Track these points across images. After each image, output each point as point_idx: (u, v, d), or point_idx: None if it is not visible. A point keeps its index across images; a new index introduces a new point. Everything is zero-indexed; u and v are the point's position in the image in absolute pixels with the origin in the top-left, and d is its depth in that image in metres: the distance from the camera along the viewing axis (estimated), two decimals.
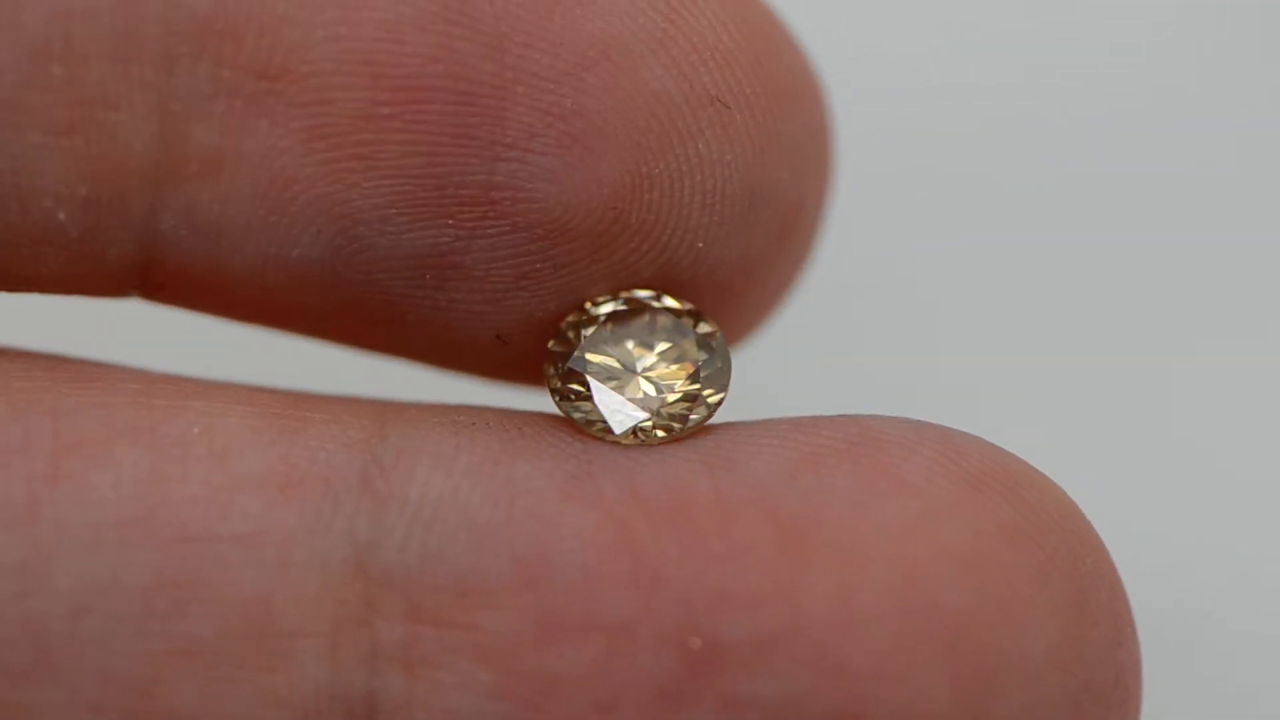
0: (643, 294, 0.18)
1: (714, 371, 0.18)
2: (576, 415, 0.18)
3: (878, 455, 0.17)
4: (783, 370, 0.26)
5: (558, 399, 0.18)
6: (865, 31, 0.29)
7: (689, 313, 0.18)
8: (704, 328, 0.18)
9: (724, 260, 0.18)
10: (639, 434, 0.18)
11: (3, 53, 0.16)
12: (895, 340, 0.28)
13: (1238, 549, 0.26)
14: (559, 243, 0.18)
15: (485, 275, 0.18)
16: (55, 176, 0.17)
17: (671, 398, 0.18)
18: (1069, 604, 0.17)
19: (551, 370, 0.18)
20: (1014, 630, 0.17)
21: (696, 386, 0.18)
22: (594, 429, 0.18)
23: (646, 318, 0.18)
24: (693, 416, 0.18)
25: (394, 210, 0.17)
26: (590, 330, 0.18)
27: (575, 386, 0.18)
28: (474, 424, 0.18)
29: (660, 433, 0.18)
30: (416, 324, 0.18)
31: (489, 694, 0.17)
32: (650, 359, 0.18)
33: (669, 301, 0.18)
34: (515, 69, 0.17)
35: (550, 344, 0.18)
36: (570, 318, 0.18)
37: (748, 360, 0.21)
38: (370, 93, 0.17)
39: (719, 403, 0.18)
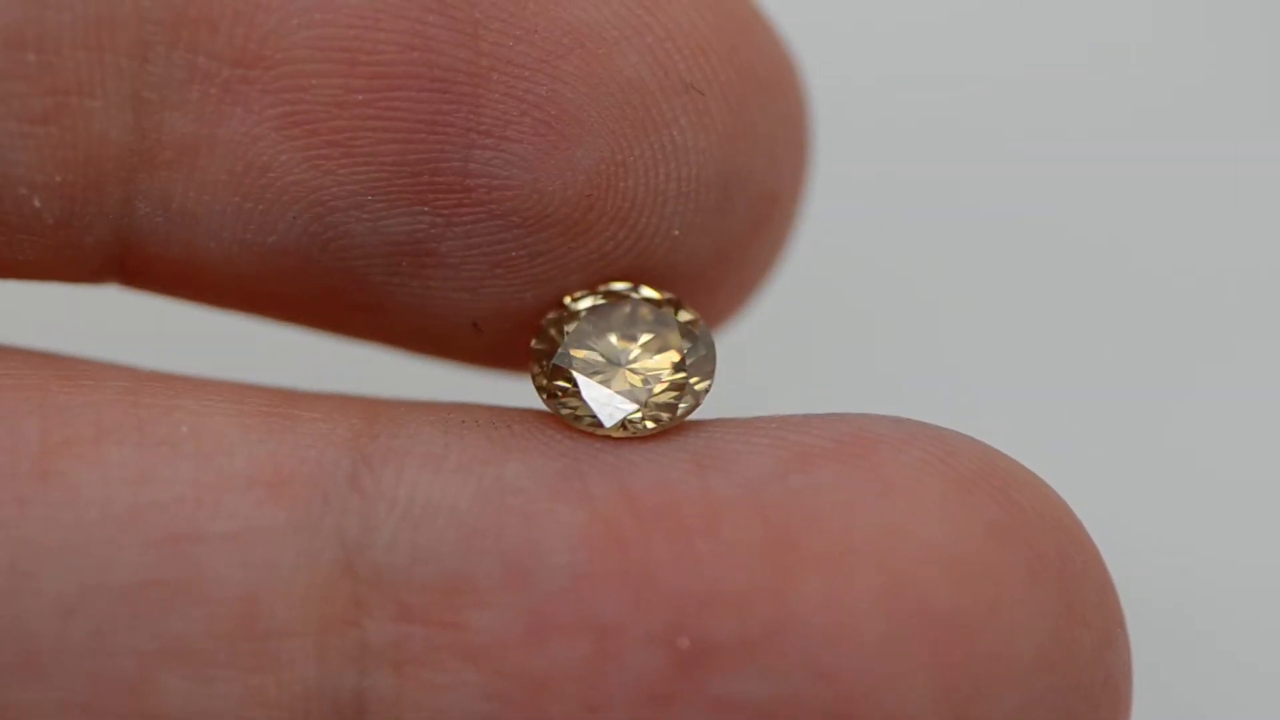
0: (621, 286, 0.18)
1: (699, 359, 0.18)
2: (564, 411, 0.18)
3: (867, 455, 0.17)
4: (772, 362, 0.26)
5: (545, 396, 0.18)
6: (847, 20, 0.29)
7: (669, 302, 0.18)
8: (685, 316, 0.18)
9: (700, 248, 0.18)
10: (628, 426, 0.18)
11: None
12: (885, 331, 0.28)
13: (1229, 549, 0.26)
14: (535, 230, 0.18)
15: (461, 262, 0.18)
16: (30, 164, 0.17)
17: (658, 388, 0.18)
18: (1058, 604, 0.17)
19: (537, 368, 0.18)
20: (1003, 631, 0.17)
21: (683, 375, 0.18)
22: (583, 424, 0.18)
23: (627, 309, 0.18)
24: (681, 405, 0.18)
25: (369, 197, 0.17)
26: (572, 326, 0.18)
27: (561, 383, 0.18)
28: (463, 423, 0.18)
29: (650, 424, 0.18)
30: (393, 311, 0.18)
31: (478, 694, 0.17)
32: (634, 351, 0.18)
33: (648, 292, 0.18)
34: (490, 56, 0.17)
35: (533, 342, 0.18)
36: (551, 314, 0.18)
37: (735, 352, 0.21)
38: (345, 80, 0.17)
39: (706, 390, 0.18)
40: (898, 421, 0.18)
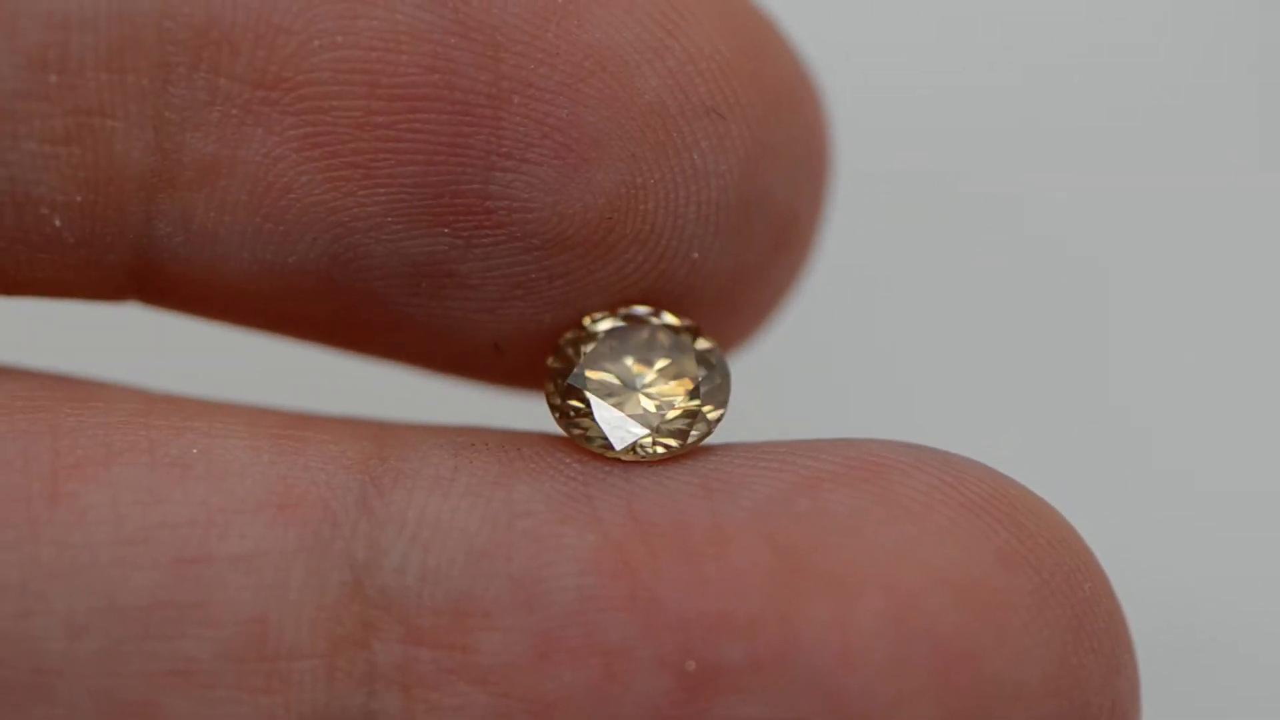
0: (641, 310, 0.18)
1: (713, 388, 0.18)
2: (575, 432, 0.18)
3: (876, 479, 0.17)
4: (780, 386, 0.26)
5: (557, 415, 0.18)
6: (865, 38, 0.29)
7: (688, 329, 0.18)
8: (702, 344, 0.18)
9: (720, 270, 0.18)
10: (638, 450, 0.18)
11: (1, 63, 0.16)
12: (894, 356, 0.28)
13: (1238, 574, 0.26)
14: (555, 252, 0.18)
15: (481, 284, 0.18)
16: (52, 184, 0.17)
17: (671, 414, 0.18)
18: (1066, 630, 0.17)
19: (551, 387, 0.18)
20: (1010, 657, 0.17)
21: (696, 403, 0.18)
22: (594, 445, 0.18)
23: (645, 334, 0.18)
24: (692, 433, 0.18)
25: (390, 218, 0.17)
26: (589, 347, 0.18)
27: (575, 403, 0.18)
28: (472, 445, 0.18)
29: (660, 449, 0.18)
30: (413, 331, 0.18)
31: (486, 716, 0.17)
32: (650, 375, 0.18)
33: (667, 318, 0.18)
34: (511, 79, 0.17)
35: (549, 360, 0.18)
36: (569, 334, 0.18)
37: (746, 375, 0.21)
38: (366, 102, 0.17)
39: (718, 419, 0.18)
40: (906, 446, 0.18)
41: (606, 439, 0.18)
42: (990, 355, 0.28)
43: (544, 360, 0.19)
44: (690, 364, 0.18)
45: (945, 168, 0.29)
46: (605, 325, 0.18)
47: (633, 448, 0.18)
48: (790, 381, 0.25)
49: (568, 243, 0.18)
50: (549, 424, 0.19)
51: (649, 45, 0.17)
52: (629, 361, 0.18)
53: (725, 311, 0.19)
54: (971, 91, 0.30)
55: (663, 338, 0.18)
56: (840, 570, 0.17)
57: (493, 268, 0.18)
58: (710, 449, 0.18)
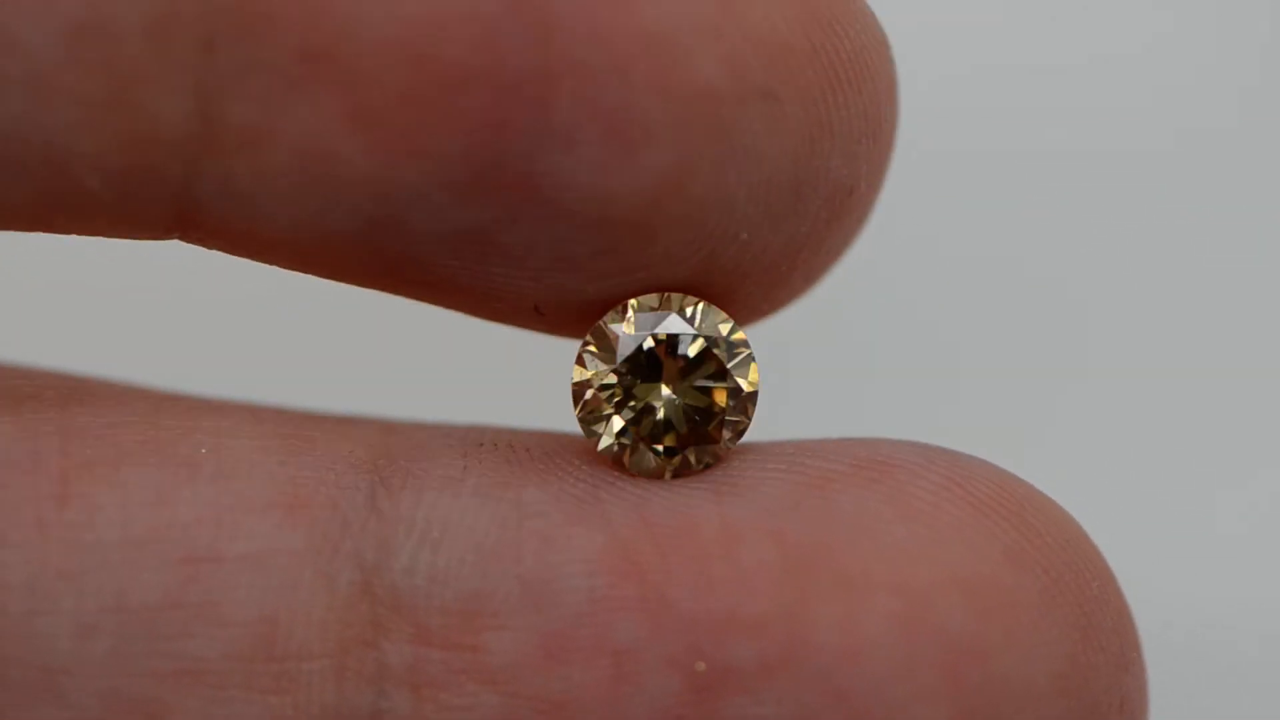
0: (678, 326, 0.18)
1: (735, 412, 0.18)
2: (592, 427, 0.18)
3: (884, 479, 0.17)
4: (788, 386, 0.26)
5: (579, 408, 0.18)
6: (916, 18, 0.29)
7: (730, 342, 0.18)
8: (736, 368, 0.18)
9: (770, 248, 0.18)
10: (647, 469, 0.18)
11: (40, 33, 0.16)
12: (903, 355, 0.28)
13: (1246, 573, 0.26)
14: (600, 231, 0.17)
15: (524, 255, 0.18)
16: (89, 149, 0.17)
17: (689, 454, 0.18)
18: (1074, 629, 0.17)
19: (579, 374, 0.18)
20: (1018, 656, 0.17)
21: (715, 424, 0.18)
22: (606, 452, 0.18)
23: (679, 351, 0.18)
24: (705, 460, 0.18)
25: (433, 191, 0.17)
26: (620, 347, 0.18)
27: (604, 390, 0.18)
28: (481, 445, 0.18)
29: (668, 474, 0.18)
30: (454, 291, 0.18)
31: (495, 715, 0.17)
32: (673, 401, 0.18)
33: (712, 327, 0.18)
34: (561, 60, 0.17)
35: (581, 345, 0.18)
36: (603, 321, 0.18)
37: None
38: (412, 78, 0.17)
39: (732, 447, 0.18)
40: (914, 446, 0.18)
41: (617, 451, 0.18)
42: (999, 354, 0.28)
43: (588, 319, 0.18)
44: (720, 396, 0.18)
45: (957, 164, 0.29)
46: (640, 336, 0.18)
47: (641, 465, 0.18)
48: (798, 381, 0.25)
49: (613, 222, 0.17)
50: (558, 424, 0.19)
51: (704, 27, 0.17)
52: (658, 384, 0.18)
53: (772, 282, 0.18)
54: (977, 86, 0.30)
55: (694, 367, 0.18)
56: (849, 570, 0.17)
57: (536, 241, 0.17)
58: None
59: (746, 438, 0.18)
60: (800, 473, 0.17)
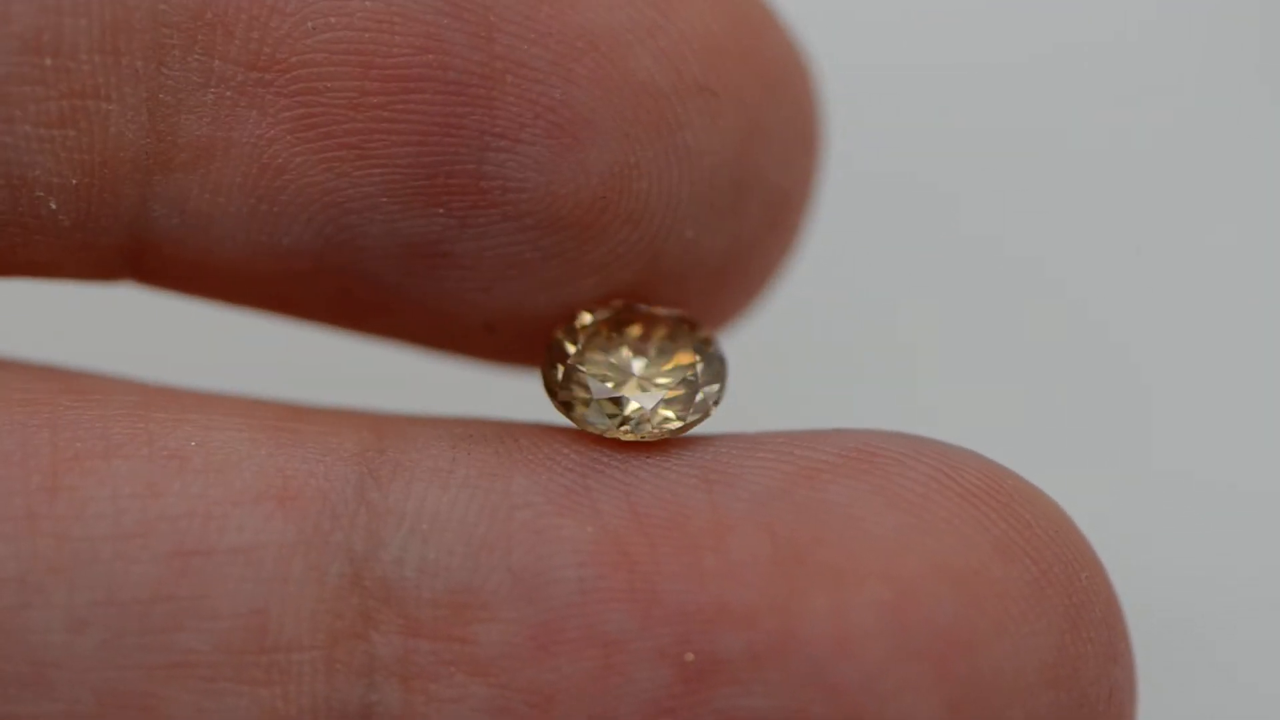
0: (637, 304, 0.18)
1: (710, 373, 0.18)
2: (574, 414, 0.18)
3: (873, 470, 0.17)
4: (778, 377, 0.26)
5: (556, 401, 0.18)
6: (856, 16, 0.29)
7: (683, 319, 0.18)
8: (698, 333, 0.18)
9: (713, 248, 0.18)
10: (638, 430, 0.18)
11: None
12: (892, 345, 0.28)
13: (1234, 563, 0.26)
14: (548, 232, 0.18)
15: (475, 264, 0.18)
16: (47, 167, 0.17)
17: (668, 395, 0.18)
18: (1063, 620, 0.17)
19: (549, 375, 0.18)
20: (1007, 647, 0.17)
21: (693, 388, 0.18)
22: (593, 429, 0.18)
23: (640, 324, 0.18)
24: (690, 417, 0.18)
25: (384, 199, 0.17)
26: (585, 336, 0.18)
27: (575, 388, 0.18)
28: (470, 436, 0.18)
29: (656, 431, 0.18)
30: (407, 311, 0.18)
31: (485, 707, 0.17)
32: (645, 362, 0.18)
33: (663, 310, 0.18)
34: (504, 59, 0.17)
35: (547, 348, 0.18)
36: (565, 326, 0.18)
37: (743, 365, 0.21)
38: (360, 82, 0.17)
39: (716, 402, 0.18)
40: (903, 437, 0.18)
41: (605, 422, 0.18)
42: (987, 343, 0.28)
43: (537, 340, 0.19)
44: (686, 351, 0.18)
45: (942, 151, 0.29)
46: (601, 315, 0.18)
47: (632, 428, 0.18)
48: (787, 371, 0.25)
49: (561, 222, 0.18)
50: (547, 414, 0.19)
51: (642, 25, 0.17)
52: (624, 351, 0.18)
53: (717, 290, 0.19)
54: (965, 76, 0.30)
55: (658, 327, 0.18)
56: (838, 561, 0.17)
57: (487, 247, 0.18)
58: (708, 440, 0.18)
59: (738, 428, 0.18)
60: (790, 463, 0.18)
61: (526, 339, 0.19)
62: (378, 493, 0.17)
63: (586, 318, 0.18)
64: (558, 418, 0.19)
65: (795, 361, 0.26)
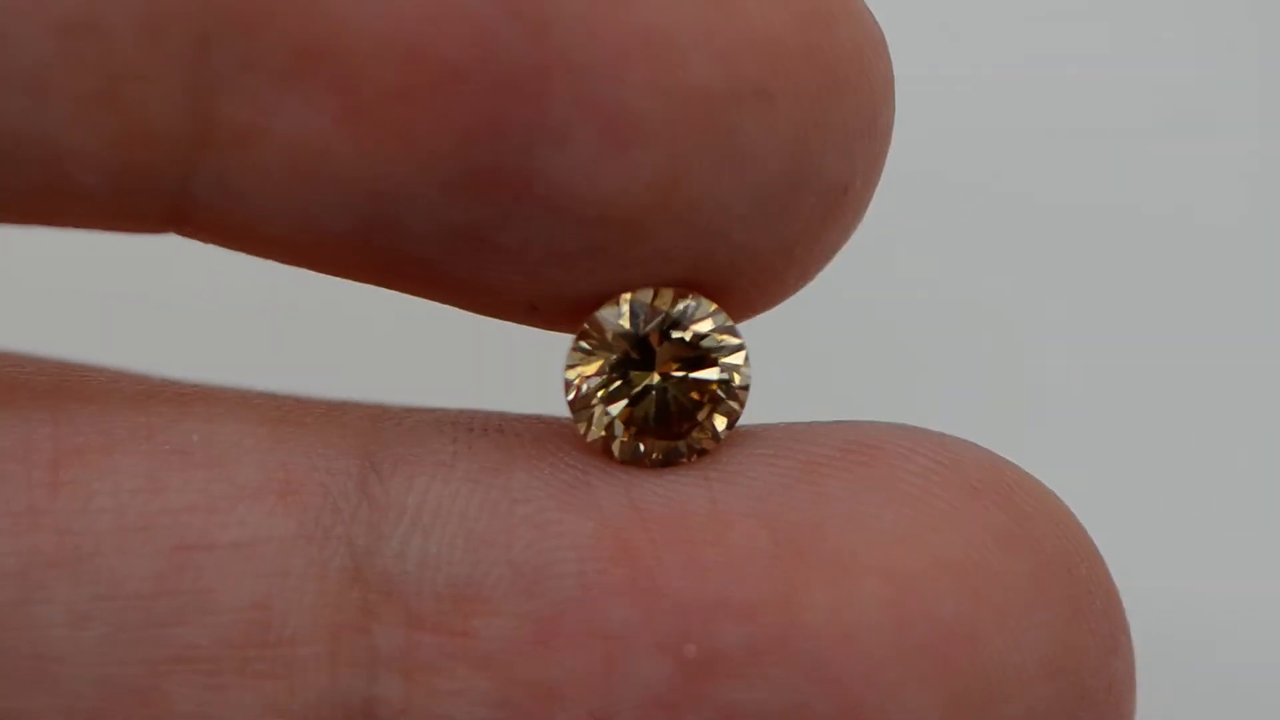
0: (675, 306, 0.18)
1: (727, 397, 0.18)
2: (582, 412, 0.18)
3: (873, 463, 0.17)
4: (777, 370, 0.26)
5: (570, 396, 0.18)
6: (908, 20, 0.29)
7: (723, 329, 0.18)
8: (728, 358, 0.18)
9: (764, 246, 0.18)
10: (635, 458, 0.18)
11: (32, 29, 0.16)
12: (891, 338, 0.28)
13: (1234, 555, 0.26)
14: (594, 229, 0.17)
15: (519, 253, 0.17)
16: (84, 146, 0.17)
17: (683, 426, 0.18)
18: (1064, 612, 0.17)
19: (570, 365, 0.18)
20: (1009, 639, 0.17)
21: (707, 412, 0.18)
22: (594, 443, 0.18)
23: (671, 342, 0.18)
24: (697, 450, 0.18)
25: (427, 189, 0.17)
26: (613, 335, 0.18)
27: (594, 380, 0.18)
28: (471, 430, 0.18)
29: (655, 456, 0.18)
30: (449, 286, 0.18)
31: (487, 701, 0.17)
32: (665, 388, 0.18)
33: (699, 324, 0.18)
34: (557, 57, 0.17)
35: (575, 338, 0.18)
36: (597, 314, 0.18)
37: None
38: (406, 76, 0.17)
39: (724, 433, 0.18)
40: (903, 429, 0.18)
41: (607, 438, 0.18)
42: (987, 337, 0.28)
43: (580, 315, 0.18)
44: (712, 371, 0.18)
45: (941, 150, 0.29)
46: (636, 315, 0.18)
47: (629, 454, 0.18)
48: (786, 365, 0.25)
49: (607, 221, 0.17)
50: (548, 408, 0.19)
51: (700, 26, 0.17)
52: (649, 370, 0.18)
53: (766, 280, 0.18)
54: (965, 76, 0.30)
55: (689, 338, 0.18)
56: (839, 554, 0.17)
57: (530, 239, 0.17)
58: None
59: (738, 423, 0.18)
60: (789, 457, 0.18)
61: (571, 314, 0.18)
62: (379, 487, 0.17)
63: (626, 304, 0.18)
64: (559, 412, 0.19)
65: (793, 353, 0.26)
